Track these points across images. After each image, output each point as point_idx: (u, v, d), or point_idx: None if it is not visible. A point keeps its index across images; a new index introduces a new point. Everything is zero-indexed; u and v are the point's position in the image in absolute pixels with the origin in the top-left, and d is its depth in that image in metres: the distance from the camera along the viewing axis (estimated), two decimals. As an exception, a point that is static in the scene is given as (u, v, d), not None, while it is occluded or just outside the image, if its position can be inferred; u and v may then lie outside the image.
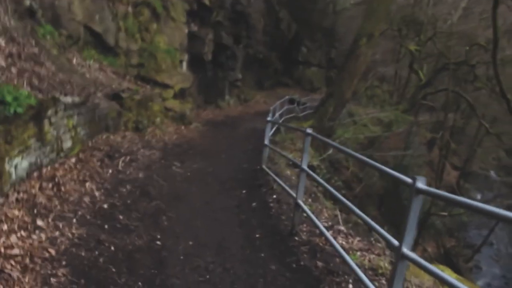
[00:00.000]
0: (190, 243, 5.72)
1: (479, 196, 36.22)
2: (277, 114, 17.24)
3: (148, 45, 14.32)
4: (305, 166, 6.35)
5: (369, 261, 6.04)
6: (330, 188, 5.57)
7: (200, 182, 9.03)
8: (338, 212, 8.38)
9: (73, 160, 7.07)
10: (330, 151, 16.48)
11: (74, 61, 10.61)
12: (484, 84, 25.87)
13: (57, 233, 4.60)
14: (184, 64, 17.54)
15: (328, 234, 5.70)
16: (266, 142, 9.55)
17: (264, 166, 9.44)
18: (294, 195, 6.66)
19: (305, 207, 6.32)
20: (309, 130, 6.27)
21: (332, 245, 5.28)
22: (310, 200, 9.06)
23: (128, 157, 8.67)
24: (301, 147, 15.82)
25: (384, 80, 40.62)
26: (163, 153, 10.75)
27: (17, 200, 4.87)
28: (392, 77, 38.36)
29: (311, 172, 6.37)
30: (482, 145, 34.41)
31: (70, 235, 4.70)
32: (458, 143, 34.45)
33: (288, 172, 11.59)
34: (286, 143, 15.52)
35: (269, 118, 9.90)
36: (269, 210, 7.79)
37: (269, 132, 9.72)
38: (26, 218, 4.57)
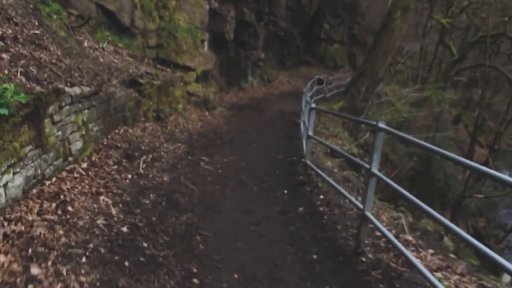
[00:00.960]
0: (236, 276, 4.35)
1: (507, 173, 34.46)
2: (307, 96, 15.75)
3: (167, 24, 12.85)
4: (375, 170, 4.91)
5: (456, 286, 4.69)
6: (411, 197, 4.17)
7: (234, 182, 7.65)
8: (402, 217, 6.94)
9: (85, 165, 5.71)
10: (367, 135, 14.96)
11: (86, 44, 9.21)
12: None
13: (58, 287, 3.23)
14: (206, 44, 16.04)
15: (409, 254, 4.31)
16: (310, 133, 8.06)
17: (308, 161, 7.98)
18: (360, 205, 5.25)
19: (377, 222, 4.90)
20: (382, 125, 4.81)
21: (413, 266, 3.97)
22: (359, 197, 7.70)
23: (150, 156, 7.28)
24: (334, 131, 14.28)
25: (407, 56, 38.57)
26: (188, 146, 9.36)
27: (5, 235, 3.52)
28: (415, 53, 36.27)
29: (383, 177, 4.93)
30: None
31: (77, 286, 3.33)
32: (484, 120, 32.69)
33: (329, 163, 10.16)
34: (318, 127, 14.07)
35: (312, 104, 8.38)
36: (320, 217, 6.39)
37: (312, 121, 8.22)
38: (15, 266, 3.22)
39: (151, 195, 5.72)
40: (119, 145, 7.11)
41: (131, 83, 9.25)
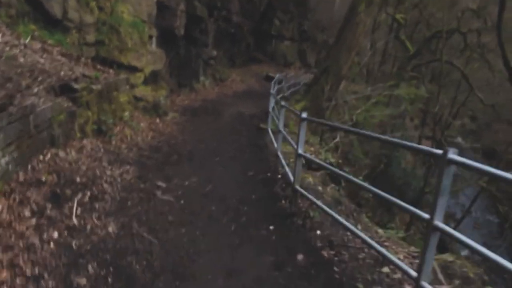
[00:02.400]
0: None
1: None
2: (276, 97, 13.97)
3: (108, 16, 10.60)
4: (440, 222, 3.15)
5: None
6: None
7: (203, 219, 5.69)
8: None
9: (-20, 225, 3.59)
10: (337, 139, 13.31)
11: None
12: (478, 53, 23.25)
13: None
14: (154, 41, 13.84)
15: None
16: (300, 151, 6.24)
17: (297, 187, 6.14)
18: (413, 273, 3.47)
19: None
20: (453, 155, 3.03)
21: None
22: (358, 225, 6.04)
23: (88, 192, 5.19)
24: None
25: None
26: (139, 168, 7.28)
27: None
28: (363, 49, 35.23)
29: (454, 232, 3.17)
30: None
31: None
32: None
33: (310, 179, 8.35)
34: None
35: (302, 115, 6.52)
36: (329, 270, 4.60)
37: (302, 135, 6.38)
38: None
39: (89, 267, 3.68)
40: (43, 179, 4.98)
41: (62, 90, 7.07)
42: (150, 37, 12.87)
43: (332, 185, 8.90)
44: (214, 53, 20.54)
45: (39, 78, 6.48)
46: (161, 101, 12.11)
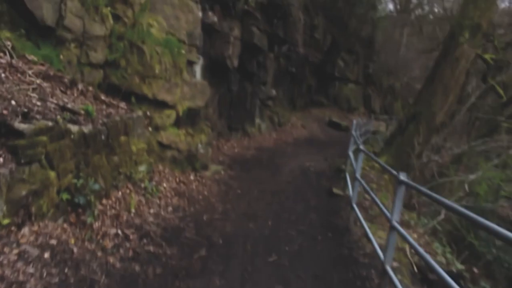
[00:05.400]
0: None
1: None
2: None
3: (128, 29, 7.21)
4: None
5: None
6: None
7: None
8: None
9: None
10: (442, 215, 9.03)
11: None
12: None
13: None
14: (198, 70, 10.37)
15: None
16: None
17: None
18: None
19: None
20: None
21: None
22: None
23: None
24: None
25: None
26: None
27: None
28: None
29: None
30: None
31: None
32: None
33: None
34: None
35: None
36: None
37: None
38: None
39: None
40: None
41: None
42: (190, 63, 9.36)
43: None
44: (274, 92, 16.93)
45: None
46: (199, 149, 8.44)
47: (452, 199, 10.38)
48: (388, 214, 4.36)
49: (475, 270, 6.11)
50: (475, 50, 12.65)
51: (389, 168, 4.68)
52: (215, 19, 11.49)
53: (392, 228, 4.18)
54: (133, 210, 5.35)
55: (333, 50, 27.60)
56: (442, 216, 8.90)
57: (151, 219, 5.42)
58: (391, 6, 33.58)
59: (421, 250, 3.57)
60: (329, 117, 24.92)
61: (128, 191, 5.71)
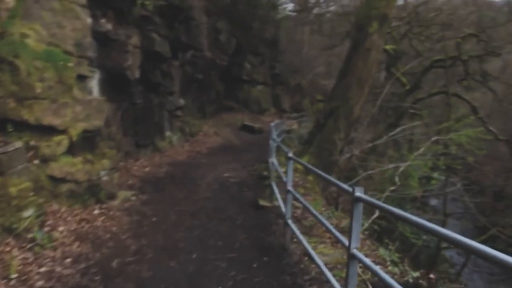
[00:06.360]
0: None
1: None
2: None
3: (-6, 41, 5.77)
4: None
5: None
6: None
7: None
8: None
9: None
10: (377, 214, 8.52)
11: None
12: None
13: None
14: (95, 85, 8.97)
15: None
16: None
17: None
18: None
19: None
20: None
21: None
22: None
23: None
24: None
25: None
26: None
27: None
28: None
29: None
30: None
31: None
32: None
33: None
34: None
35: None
36: None
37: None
38: None
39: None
40: None
41: None
42: (82, 78, 7.96)
43: None
44: (182, 101, 15.76)
45: None
46: (102, 177, 7.14)
47: (385, 193, 10.06)
48: (345, 241, 3.55)
49: (432, 275, 5.59)
50: (384, 40, 12.54)
51: (341, 184, 3.87)
52: (109, 26, 10.15)
53: (352, 257, 3.36)
54: (14, 275, 4.04)
55: (239, 53, 26.94)
56: (377, 213, 8.40)
57: (40, 283, 4.14)
58: (291, 6, 33.73)
59: (386, 278, 2.83)
60: (241, 121, 24.22)
61: (7, 248, 4.37)
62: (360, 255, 3.28)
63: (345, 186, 3.76)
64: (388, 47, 20.68)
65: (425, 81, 21.33)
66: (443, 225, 17.71)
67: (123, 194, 7.96)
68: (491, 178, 21.02)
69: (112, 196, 7.40)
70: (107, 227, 6.31)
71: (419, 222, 2.56)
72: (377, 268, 3.12)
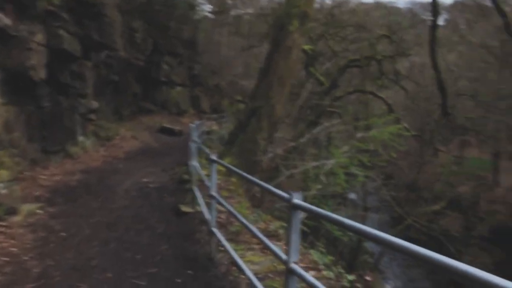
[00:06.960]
0: None
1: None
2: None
3: None
4: None
5: None
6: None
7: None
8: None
9: None
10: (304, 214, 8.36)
11: None
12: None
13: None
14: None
15: None
16: None
17: None
18: None
19: None
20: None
21: None
22: None
23: None
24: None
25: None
26: None
27: None
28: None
29: None
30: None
31: None
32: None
33: None
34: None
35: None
36: None
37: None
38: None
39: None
40: None
41: None
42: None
43: None
44: (96, 104, 14.75)
45: None
46: (0, 191, 6.26)
47: (311, 192, 10.00)
48: (283, 256, 3.20)
49: (368, 278, 5.46)
50: (304, 38, 12.54)
51: (278, 191, 3.51)
52: (8, 21, 9.09)
53: (291, 272, 3.02)
54: None
55: (156, 53, 26.03)
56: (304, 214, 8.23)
57: None
58: (209, 8, 33.26)
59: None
60: (160, 124, 23.42)
61: None
62: (301, 270, 2.96)
63: (281, 193, 3.42)
64: (306, 47, 20.98)
65: (341, 81, 21.89)
66: (363, 219, 18.30)
67: (27, 207, 7.08)
68: (405, 172, 22.16)
69: (12, 211, 6.53)
70: (5, 249, 5.50)
71: (362, 229, 2.26)
72: (319, 284, 2.80)
